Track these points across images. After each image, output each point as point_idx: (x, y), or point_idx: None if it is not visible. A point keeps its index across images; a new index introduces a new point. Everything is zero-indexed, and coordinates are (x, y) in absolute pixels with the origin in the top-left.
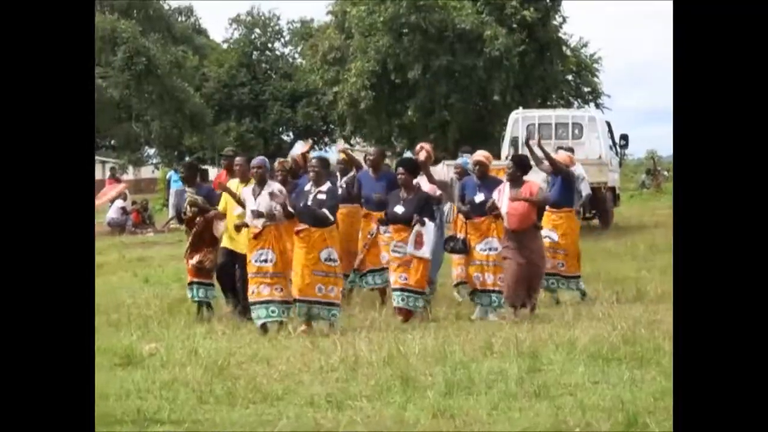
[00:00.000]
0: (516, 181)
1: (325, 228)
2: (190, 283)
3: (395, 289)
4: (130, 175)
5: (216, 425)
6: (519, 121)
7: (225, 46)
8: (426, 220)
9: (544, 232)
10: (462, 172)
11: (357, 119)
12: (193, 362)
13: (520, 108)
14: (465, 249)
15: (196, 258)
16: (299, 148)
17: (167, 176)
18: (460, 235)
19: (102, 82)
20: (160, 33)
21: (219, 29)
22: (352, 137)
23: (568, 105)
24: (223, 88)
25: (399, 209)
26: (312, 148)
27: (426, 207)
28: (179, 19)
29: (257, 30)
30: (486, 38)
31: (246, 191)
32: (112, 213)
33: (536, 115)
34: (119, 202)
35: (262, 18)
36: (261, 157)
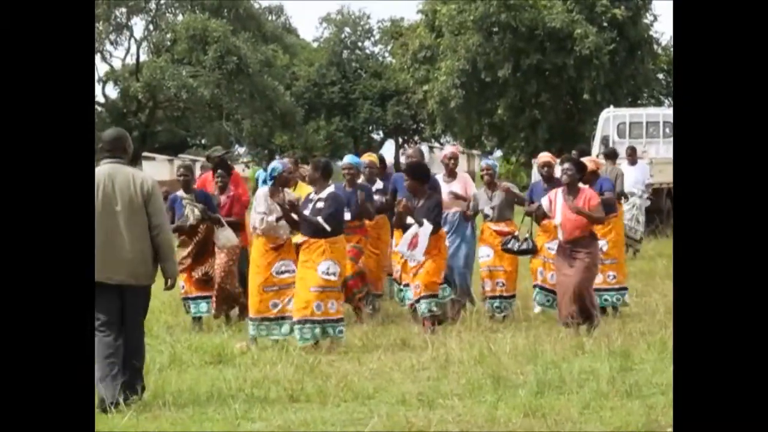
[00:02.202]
0: (573, 186)
1: (327, 239)
2: (194, 298)
3: (417, 300)
4: None
5: (307, 424)
6: (610, 119)
7: (315, 44)
8: (425, 221)
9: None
10: (492, 174)
11: (447, 118)
12: (283, 360)
13: (611, 106)
14: (534, 249)
15: (200, 270)
16: (391, 148)
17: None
18: (526, 235)
19: (193, 81)
20: (250, 32)
21: (309, 28)
22: (442, 136)
23: (659, 103)
24: (313, 87)
25: (410, 219)
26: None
27: (434, 210)
28: (269, 18)
29: (347, 29)
30: (576, 37)
31: (261, 195)
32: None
33: (627, 113)
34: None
35: (352, 17)
36: (283, 161)
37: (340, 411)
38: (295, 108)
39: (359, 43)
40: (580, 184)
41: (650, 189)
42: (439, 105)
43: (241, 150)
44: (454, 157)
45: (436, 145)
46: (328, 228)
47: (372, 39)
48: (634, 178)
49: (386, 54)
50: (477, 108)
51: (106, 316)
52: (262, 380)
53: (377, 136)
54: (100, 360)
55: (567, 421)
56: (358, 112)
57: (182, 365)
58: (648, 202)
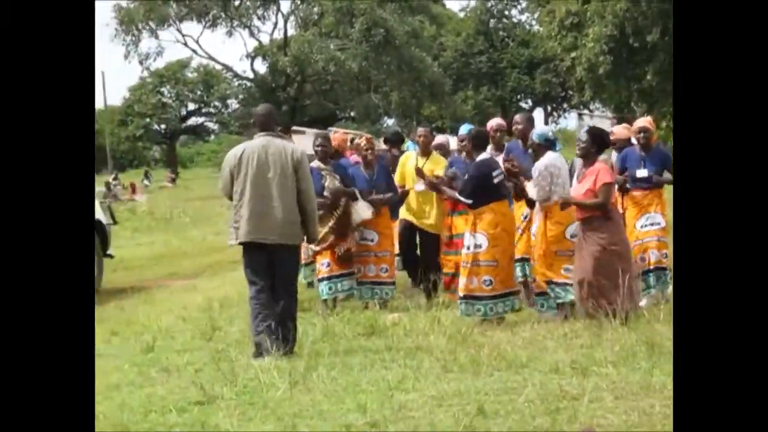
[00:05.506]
0: (587, 159)
1: (473, 211)
2: (338, 276)
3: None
4: None
5: (461, 393)
6: None
7: (462, 14)
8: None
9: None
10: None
11: (596, 85)
12: (436, 331)
13: None
14: None
15: (343, 247)
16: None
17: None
18: None
19: (340, 54)
20: (397, 3)
21: None
22: (591, 103)
23: None
24: (460, 57)
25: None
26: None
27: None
28: None
29: None
30: None
31: (559, 161)
32: None
33: None
34: None
35: None
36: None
37: (494, 380)
38: (442, 78)
39: (506, 12)
40: (600, 161)
41: None
42: (587, 72)
43: (390, 122)
44: (442, 147)
45: (585, 112)
46: (467, 201)
47: (519, 7)
48: None
49: (533, 22)
50: (626, 74)
51: (255, 274)
52: (415, 351)
53: (526, 104)
54: (254, 317)
55: None
56: (506, 81)
57: (335, 337)
58: None
